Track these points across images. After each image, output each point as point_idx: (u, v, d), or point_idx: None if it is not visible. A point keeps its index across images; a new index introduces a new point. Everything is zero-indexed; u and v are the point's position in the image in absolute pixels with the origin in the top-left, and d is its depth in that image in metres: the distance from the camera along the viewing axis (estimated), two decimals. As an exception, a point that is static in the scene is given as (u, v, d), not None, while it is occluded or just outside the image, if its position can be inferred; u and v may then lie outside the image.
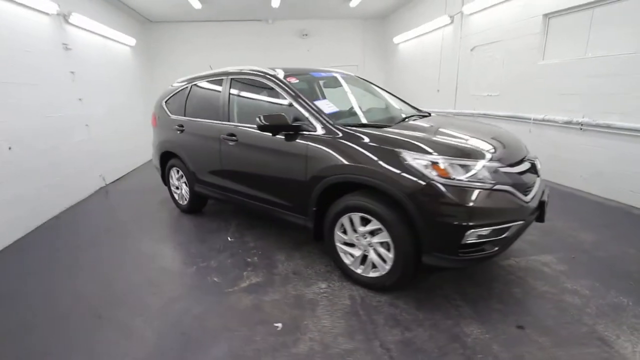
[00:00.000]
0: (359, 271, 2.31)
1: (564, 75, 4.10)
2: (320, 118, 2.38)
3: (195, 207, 3.85)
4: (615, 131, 3.55)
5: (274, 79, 2.73)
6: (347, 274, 2.40)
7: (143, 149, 7.11)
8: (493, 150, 2.06)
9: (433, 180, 1.84)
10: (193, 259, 2.88)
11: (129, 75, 7.02)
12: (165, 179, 4.09)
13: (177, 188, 3.95)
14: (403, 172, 1.92)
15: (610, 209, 3.55)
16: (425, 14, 7.00)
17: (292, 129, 2.44)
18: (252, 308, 2.19)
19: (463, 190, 1.82)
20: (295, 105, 2.52)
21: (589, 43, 3.81)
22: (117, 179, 5.88)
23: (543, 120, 4.38)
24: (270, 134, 2.57)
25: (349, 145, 2.18)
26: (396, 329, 1.93)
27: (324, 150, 2.28)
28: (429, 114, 2.98)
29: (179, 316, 2.14)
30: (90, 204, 4.60)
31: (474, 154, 1.98)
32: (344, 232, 2.31)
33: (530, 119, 4.56)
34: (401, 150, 1.97)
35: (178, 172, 3.82)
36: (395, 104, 3.25)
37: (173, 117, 3.75)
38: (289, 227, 3.37)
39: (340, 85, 3.13)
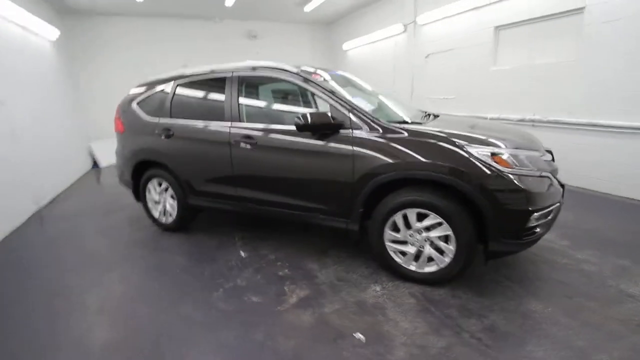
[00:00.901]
0: (412, 268, 2.30)
1: (515, 79, 4.77)
2: (365, 116, 2.32)
3: (185, 222, 3.38)
4: (563, 126, 4.26)
5: (302, 76, 2.56)
6: (397, 273, 2.38)
7: (76, 160, 6.01)
8: (531, 142, 2.27)
9: (499, 170, 1.95)
10: (213, 281, 2.52)
11: (51, 75, 5.83)
12: (140, 193, 3.50)
13: (157, 203, 3.41)
14: (469, 164, 1.99)
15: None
16: (376, 22, 7.41)
17: (336, 128, 2.32)
18: (318, 323, 2.00)
19: (524, 178, 1.97)
20: (333, 103, 2.41)
21: (535, 51, 4.51)
22: (55, 198, 4.81)
23: (499, 119, 5.01)
24: (307, 135, 2.41)
25: (405, 143, 2.17)
26: (472, 318, 1.98)
27: (374, 149, 2.23)
28: (438, 115, 3.14)
29: (248, 351, 1.84)
30: (24, 237, 3.67)
31: (525, 145, 2.16)
32: (395, 230, 2.29)
33: (487, 118, 5.17)
34: (463, 143, 2.04)
35: (160, 184, 3.30)
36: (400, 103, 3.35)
37: (151, 120, 3.23)
38: (302, 234, 3.20)
39: (351, 85, 3.10)
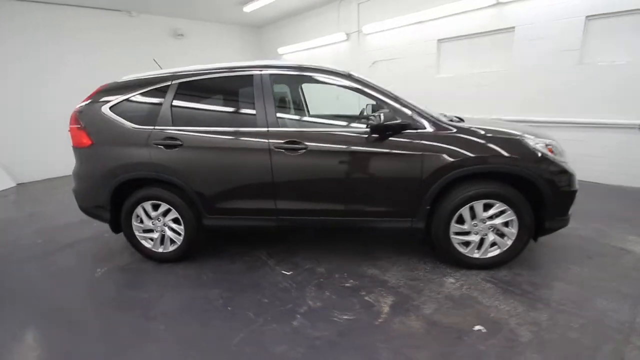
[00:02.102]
0: (476, 255, 2.46)
1: (458, 85, 5.55)
2: (427, 115, 2.37)
3: (194, 249, 2.80)
4: (502, 123, 5.17)
5: (354, 76, 2.46)
6: (461, 263, 2.50)
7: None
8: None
9: (553, 158, 2.27)
10: (278, 309, 2.17)
11: None
12: (122, 223, 2.74)
13: (150, 232, 2.73)
14: (535, 155, 2.25)
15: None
16: (316, 29, 7.56)
17: (404, 127, 2.30)
18: (429, 326, 1.95)
19: (566, 164, 2.35)
20: (393, 104, 2.38)
21: (475, 61, 5.34)
22: None
23: (446, 119, 5.74)
24: (369, 137, 2.33)
25: (471, 139, 2.30)
26: (544, 289, 2.24)
27: (443, 146, 2.30)
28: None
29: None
30: None
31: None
32: (460, 222, 2.41)
33: (436, 119, 5.86)
34: (523, 137, 2.30)
35: (157, 207, 2.66)
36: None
37: (141, 128, 2.59)
38: (331, 241, 3.05)
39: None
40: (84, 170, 2.74)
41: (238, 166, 2.49)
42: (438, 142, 2.31)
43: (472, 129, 2.36)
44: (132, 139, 2.59)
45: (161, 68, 2.97)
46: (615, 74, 4.03)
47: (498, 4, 4.77)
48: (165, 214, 2.67)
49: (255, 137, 2.45)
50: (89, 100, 2.74)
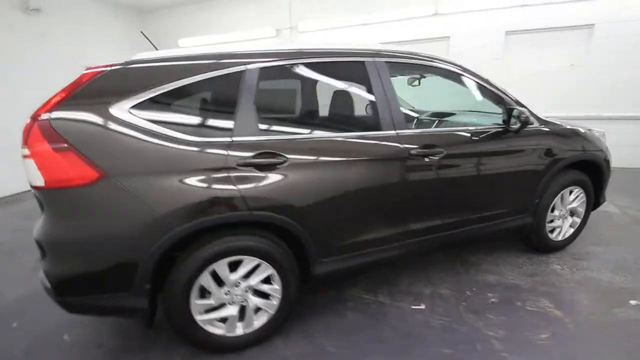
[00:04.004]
0: (559, 238, 2.66)
1: (398, 87, 5.93)
2: (532, 111, 2.36)
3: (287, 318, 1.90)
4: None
5: (467, 69, 2.19)
6: (548, 249, 2.65)
7: None
8: None
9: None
10: (471, 355, 1.74)
11: None
12: (174, 307, 1.59)
13: (219, 308, 1.71)
14: (603, 145, 2.60)
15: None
16: (231, 19, 6.60)
17: (526, 123, 2.22)
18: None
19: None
20: (507, 99, 2.26)
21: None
22: None
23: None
24: (510, 133, 2.21)
25: (561, 134, 2.45)
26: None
27: (550, 140, 2.37)
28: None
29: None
30: None
31: None
32: (552, 210, 2.55)
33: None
34: (588, 130, 2.61)
35: (235, 267, 1.68)
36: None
37: (210, 141, 1.58)
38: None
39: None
40: (82, 231, 1.44)
41: (365, 182, 1.85)
42: (547, 136, 2.37)
43: (559, 123, 2.52)
44: (193, 160, 1.53)
45: (155, 47, 1.91)
46: (532, 79, 5.16)
47: (436, 14, 5.36)
48: (249, 273, 1.71)
49: (385, 142, 1.88)
50: (70, 100, 1.45)
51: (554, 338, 1.82)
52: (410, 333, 1.90)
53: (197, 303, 1.64)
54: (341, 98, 2.08)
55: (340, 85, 2.04)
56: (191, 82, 1.59)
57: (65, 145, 1.40)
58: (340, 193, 1.79)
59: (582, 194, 2.61)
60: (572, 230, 2.70)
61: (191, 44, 7.04)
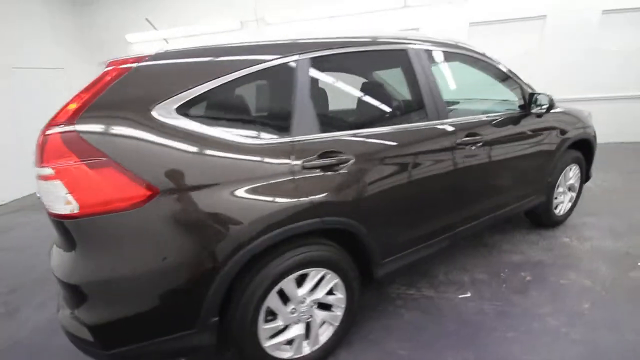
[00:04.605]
0: (561, 213, 2.87)
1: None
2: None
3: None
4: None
5: (489, 57, 2.21)
6: (553, 224, 2.85)
7: None
8: None
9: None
10: (546, 337, 1.78)
11: None
12: (243, 333, 1.38)
13: (283, 330, 1.53)
14: (591, 123, 2.83)
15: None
16: (187, 11, 6.07)
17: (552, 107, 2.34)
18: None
19: None
20: (523, 85, 2.34)
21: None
22: None
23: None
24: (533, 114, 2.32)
25: (570, 114, 2.63)
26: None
27: (563, 122, 2.54)
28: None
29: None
30: None
31: None
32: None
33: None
34: (581, 110, 2.84)
35: (301, 282, 1.51)
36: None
37: (269, 144, 1.39)
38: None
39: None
40: (134, 263, 1.16)
41: (420, 174, 1.78)
42: (561, 117, 2.53)
43: (563, 107, 2.68)
44: (255, 166, 1.33)
45: (156, 29, 1.64)
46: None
47: (406, 7, 5.46)
48: (314, 286, 1.55)
49: (436, 133, 1.83)
50: (97, 104, 1.16)
51: (595, 306, 1.94)
52: (469, 322, 1.89)
53: (264, 328, 1.44)
54: (391, 88, 1.99)
55: (389, 75, 1.94)
56: (227, 80, 1.35)
57: (104, 159, 1.11)
58: (399, 188, 1.70)
59: (578, 170, 2.84)
60: (570, 204, 2.94)
61: (140, 39, 6.36)
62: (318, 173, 1.44)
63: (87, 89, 1.19)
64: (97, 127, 1.13)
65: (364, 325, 1.91)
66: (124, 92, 1.19)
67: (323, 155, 1.46)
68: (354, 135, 1.59)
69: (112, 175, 1.12)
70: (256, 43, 1.46)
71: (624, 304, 1.95)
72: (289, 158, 1.39)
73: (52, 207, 1.12)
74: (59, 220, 1.13)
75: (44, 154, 1.10)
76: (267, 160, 1.35)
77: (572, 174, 2.81)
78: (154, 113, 1.20)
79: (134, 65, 1.24)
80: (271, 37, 1.54)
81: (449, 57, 2.11)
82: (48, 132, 1.11)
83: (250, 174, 1.31)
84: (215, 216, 1.24)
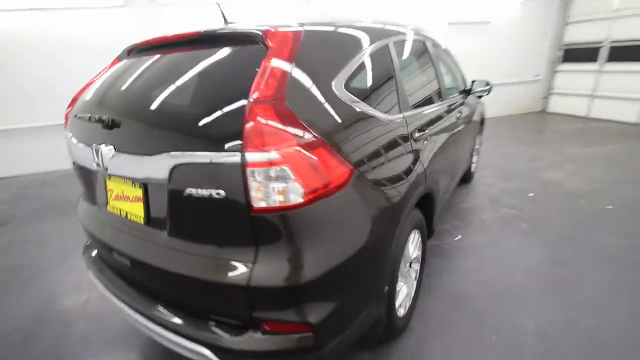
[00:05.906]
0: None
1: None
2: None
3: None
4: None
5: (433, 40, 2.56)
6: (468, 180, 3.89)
7: None
8: None
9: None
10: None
11: None
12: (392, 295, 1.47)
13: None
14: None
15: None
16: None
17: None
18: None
19: None
20: (459, 75, 3.09)
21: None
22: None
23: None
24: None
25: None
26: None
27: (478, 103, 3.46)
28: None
29: None
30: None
31: None
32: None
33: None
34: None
35: (407, 239, 1.69)
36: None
37: (395, 119, 1.52)
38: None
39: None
40: (343, 250, 1.11)
41: (447, 138, 2.23)
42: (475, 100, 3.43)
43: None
44: (398, 139, 1.48)
45: (225, 20, 1.55)
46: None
47: (308, 2, 5.77)
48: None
49: (452, 108, 2.39)
50: (291, 80, 1.04)
51: (496, 234, 2.85)
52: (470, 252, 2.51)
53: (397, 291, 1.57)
54: (431, 72, 2.25)
55: (421, 58, 2.20)
56: (366, 54, 1.41)
57: (314, 138, 1.00)
58: (442, 149, 2.07)
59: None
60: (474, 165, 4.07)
61: None
62: (418, 145, 1.65)
63: (276, 51, 1.03)
64: (302, 104, 1.01)
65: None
66: (307, 66, 1.08)
67: (420, 129, 1.68)
68: (427, 111, 1.89)
69: (324, 156, 1.02)
70: (370, 26, 1.58)
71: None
72: (407, 132, 1.55)
73: (266, 200, 0.92)
74: (279, 215, 0.94)
75: (261, 134, 0.90)
76: (398, 134, 1.47)
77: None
78: (334, 87, 1.14)
79: (301, 30, 1.13)
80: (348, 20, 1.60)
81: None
82: (258, 110, 0.91)
83: (399, 148, 1.43)
84: (387, 187, 1.29)
